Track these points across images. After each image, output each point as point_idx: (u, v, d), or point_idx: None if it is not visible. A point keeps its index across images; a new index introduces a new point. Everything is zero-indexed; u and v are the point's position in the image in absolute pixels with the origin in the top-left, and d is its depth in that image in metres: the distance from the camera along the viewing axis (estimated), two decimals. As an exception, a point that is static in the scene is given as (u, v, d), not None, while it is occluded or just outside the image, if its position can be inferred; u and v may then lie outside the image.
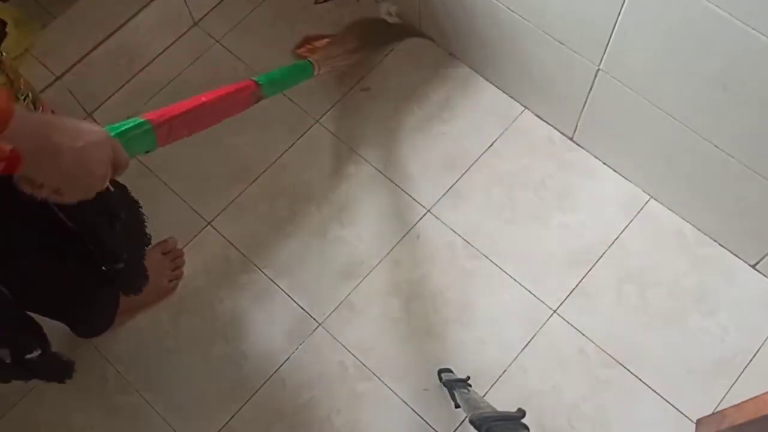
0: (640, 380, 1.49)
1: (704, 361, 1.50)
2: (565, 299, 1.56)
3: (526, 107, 1.73)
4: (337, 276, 1.60)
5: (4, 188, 0.84)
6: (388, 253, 1.61)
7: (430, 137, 1.72)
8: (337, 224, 1.65)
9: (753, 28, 1.10)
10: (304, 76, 1.56)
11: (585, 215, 1.63)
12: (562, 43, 1.44)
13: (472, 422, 1.18)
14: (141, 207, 1.31)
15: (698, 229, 1.59)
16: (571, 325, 1.54)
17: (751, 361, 1.49)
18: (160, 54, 1.83)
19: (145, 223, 1.34)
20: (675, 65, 1.26)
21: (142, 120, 1.02)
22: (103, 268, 1.25)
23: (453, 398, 1.40)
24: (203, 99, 1.16)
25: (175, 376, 1.53)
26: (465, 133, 1.72)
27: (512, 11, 1.48)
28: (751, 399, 1.27)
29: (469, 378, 1.41)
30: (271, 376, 1.52)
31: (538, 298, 1.56)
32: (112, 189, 1.12)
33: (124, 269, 1.26)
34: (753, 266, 1.56)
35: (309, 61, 1.57)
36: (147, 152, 1.05)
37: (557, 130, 1.70)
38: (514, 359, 1.52)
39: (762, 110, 1.21)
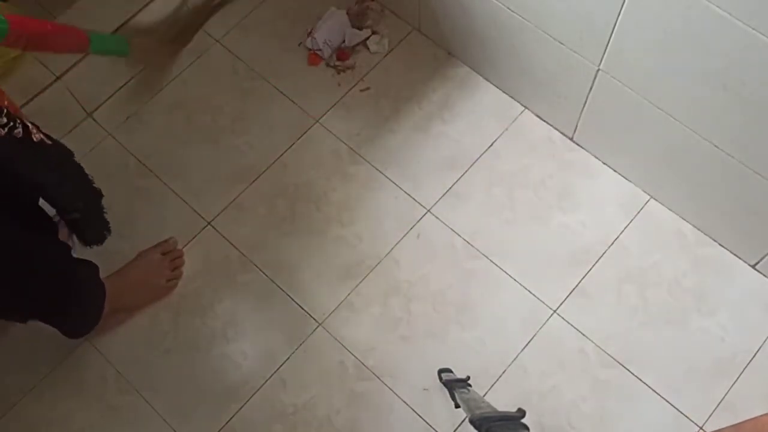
0: (640, 380, 1.49)
1: (704, 361, 1.50)
2: (565, 299, 1.56)
3: (526, 107, 1.73)
4: (337, 276, 1.60)
5: None
6: (388, 253, 1.61)
7: (430, 137, 1.72)
8: (337, 224, 1.65)
9: (753, 28, 1.10)
10: (120, 51, 1.55)
11: (585, 215, 1.63)
12: (562, 43, 1.44)
13: (472, 422, 1.18)
14: (83, 168, 1.42)
15: (698, 229, 1.59)
16: (571, 325, 1.54)
17: (751, 361, 1.49)
18: (160, 54, 1.83)
19: (92, 179, 1.44)
20: (675, 65, 1.26)
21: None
22: (65, 217, 1.40)
23: (453, 398, 1.40)
24: (48, 26, 1.30)
25: (175, 376, 1.53)
26: (465, 133, 1.72)
27: (512, 11, 1.48)
28: (750, 420, 1.27)
29: (469, 378, 1.41)
30: (271, 376, 1.52)
31: (538, 298, 1.56)
32: (50, 142, 1.26)
33: (81, 219, 1.39)
34: (753, 266, 1.56)
35: (126, 39, 1.56)
36: None
37: (557, 130, 1.70)
38: (514, 359, 1.52)
39: (762, 110, 1.21)
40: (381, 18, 1.83)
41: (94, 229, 1.47)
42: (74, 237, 1.48)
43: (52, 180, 1.30)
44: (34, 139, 1.21)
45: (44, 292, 1.33)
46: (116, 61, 1.74)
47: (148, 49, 1.65)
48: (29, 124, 1.21)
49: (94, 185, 1.45)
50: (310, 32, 1.81)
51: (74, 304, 1.41)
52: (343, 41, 1.80)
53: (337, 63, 1.79)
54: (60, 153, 1.35)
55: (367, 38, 1.80)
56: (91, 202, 1.45)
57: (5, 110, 1.13)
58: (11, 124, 1.14)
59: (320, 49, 1.78)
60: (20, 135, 1.17)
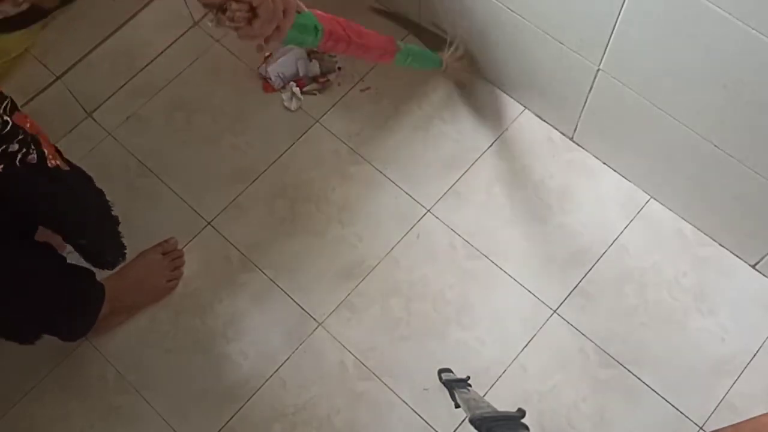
0: (640, 380, 1.49)
1: (704, 361, 1.50)
2: (565, 299, 1.56)
3: (526, 107, 1.73)
4: (337, 276, 1.60)
5: None
6: (388, 253, 1.61)
7: (430, 137, 1.72)
8: (337, 224, 1.65)
9: (753, 28, 1.10)
10: (432, 65, 1.64)
11: (585, 215, 1.63)
12: (562, 43, 1.44)
13: (472, 422, 1.18)
14: (104, 194, 1.40)
15: (698, 229, 1.59)
16: (571, 325, 1.54)
17: (751, 361, 1.49)
18: (160, 54, 1.83)
19: (111, 206, 1.41)
20: (675, 65, 1.27)
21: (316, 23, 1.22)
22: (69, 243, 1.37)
23: (453, 398, 1.40)
24: (357, 36, 1.34)
25: (175, 376, 1.53)
26: (465, 133, 1.72)
27: (512, 11, 1.48)
28: (750, 420, 1.27)
29: (469, 378, 1.41)
30: (271, 376, 1.52)
31: (538, 298, 1.56)
32: (68, 168, 1.23)
33: (88, 245, 1.36)
34: (753, 266, 1.56)
35: (439, 55, 1.64)
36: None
37: (557, 130, 1.70)
38: (514, 359, 1.52)
39: (762, 110, 1.21)
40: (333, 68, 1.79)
41: (107, 255, 1.44)
42: (69, 246, 1.46)
43: (61, 208, 1.26)
44: (49, 165, 1.17)
45: (37, 306, 1.33)
46: (117, 61, 1.75)
47: (456, 68, 1.69)
48: (45, 150, 1.16)
49: (112, 212, 1.41)
50: (268, 57, 1.76)
51: (69, 314, 1.40)
52: (298, 72, 1.77)
53: (305, 90, 1.75)
54: (77, 179, 1.31)
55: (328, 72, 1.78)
56: (107, 228, 1.42)
57: (21, 135, 1.09)
58: (24, 150, 1.09)
59: (271, 79, 1.75)
60: (34, 161, 1.12)
